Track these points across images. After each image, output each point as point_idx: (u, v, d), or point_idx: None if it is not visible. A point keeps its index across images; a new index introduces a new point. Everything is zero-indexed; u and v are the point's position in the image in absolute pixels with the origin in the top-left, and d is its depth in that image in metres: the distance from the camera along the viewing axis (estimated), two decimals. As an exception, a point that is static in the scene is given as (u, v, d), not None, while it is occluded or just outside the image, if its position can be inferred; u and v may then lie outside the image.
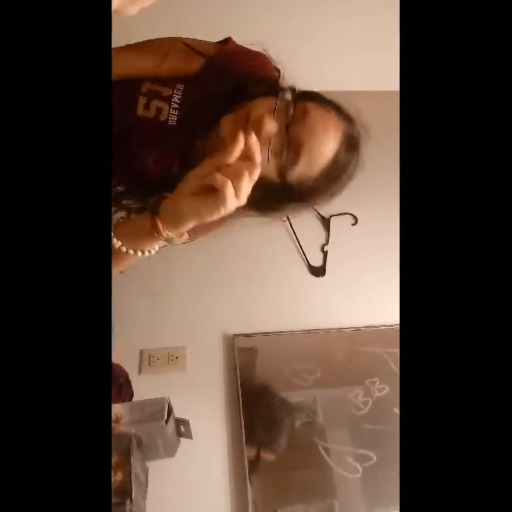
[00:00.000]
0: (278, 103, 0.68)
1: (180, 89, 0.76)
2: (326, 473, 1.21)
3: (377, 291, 1.51)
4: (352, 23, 1.65)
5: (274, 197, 0.73)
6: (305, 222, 1.68)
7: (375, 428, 1.26)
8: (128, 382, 1.21)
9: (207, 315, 1.44)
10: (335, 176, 0.72)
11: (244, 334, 1.40)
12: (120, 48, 0.81)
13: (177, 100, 0.75)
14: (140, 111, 0.76)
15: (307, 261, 1.61)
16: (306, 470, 1.23)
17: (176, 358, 1.34)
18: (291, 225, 1.65)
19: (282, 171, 0.70)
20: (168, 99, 0.75)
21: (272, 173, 0.70)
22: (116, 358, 1.26)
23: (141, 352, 1.35)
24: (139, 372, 1.31)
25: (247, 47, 0.81)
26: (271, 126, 0.68)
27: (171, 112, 0.75)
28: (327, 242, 1.66)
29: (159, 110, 0.76)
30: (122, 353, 1.29)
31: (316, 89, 0.75)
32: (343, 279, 1.57)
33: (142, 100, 0.76)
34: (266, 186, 0.69)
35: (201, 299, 1.48)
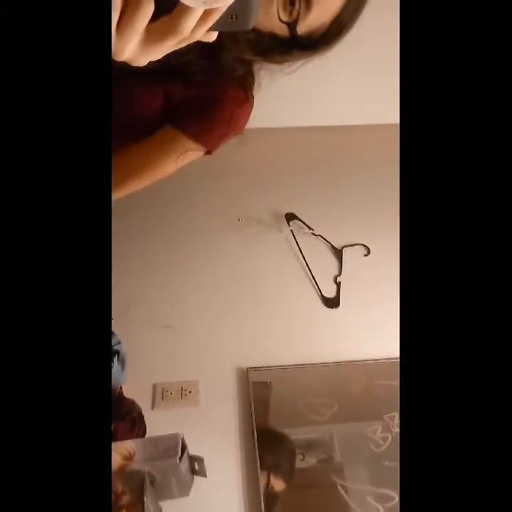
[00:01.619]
0: None
1: None
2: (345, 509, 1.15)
3: (392, 322, 1.49)
4: None
5: (282, 46, 0.68)
6: (317, 253, 1.68)
7: (396, 465, 1.21)
8: (141, 418, 1.19)
9: (220, 348, 1.43)
10: (346, 21, 0.69)
11: (258, 367, 1.38)
12: None
13: None
14: None
15: (320, 292, 1.60)
16: (324, 511, 1.18)
17: (190, 392, 1.32)
18: (303, 257, 1.65)
19: (292, 25, 0.65)
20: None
21: (281, 28, 0.66)
22: (129, 393, 1.25)
23: (154, 386, 1.33)
24: (152, 407, 1.29)
25: None
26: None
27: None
28: (340, 273, 1.65)
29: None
30: (135, 388, 1.28)
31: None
32: (358, 310, 1.55)
33: None
34: (273, 38, 0.66)
35: (214, 331, 1.47)
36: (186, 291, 1.54)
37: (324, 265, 1.66)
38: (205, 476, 1.11)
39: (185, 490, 1.09)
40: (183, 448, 1.06)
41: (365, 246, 1.70)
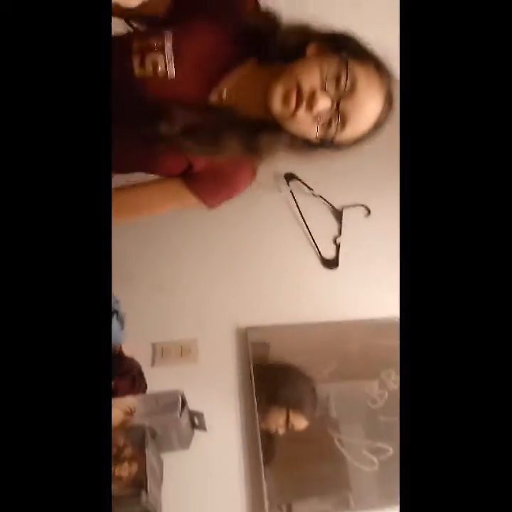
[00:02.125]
0: (329, 75, 0.68)
1: (169, 38, 0.72)
2: (341, 466, 1.19)
3: (391, 283, 1.49)
4: None
5: (312, 146, 0.77)
6: (317, 214, 1.66)
7: (391, 420, 1.24)
8: (141, 375, 1.21)
9: (218, 308, 1.43)
10: (373, 132, 0.76)
11: (256, 327, 1.39)
12: None
13: (170, 48, 0.72)
14: (137, 71, 0.73)
15: (319, 253, 1.59)
16: (321, 463, 1.22)
17: (189, 350, 1.34)
18: (303, 218, 1.63)
19: (326, 138, 0.73)
20: (161, 50, 0.72)
21: (315, 138, 0.73)
22: (129, 352, 1.26)
23: (154, 345, 1.35)
24: (152, 365, 1.31)
25: None
26: (325, 104, 0.69)
27: (167, 63, 0.72)
28: (340, 234, 1.64)
29: (155, 65, 0.73)
30: (135, 347, 1.29)
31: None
32: (357, 271, 1.55)
33: (136, 58, 0.73)
34: (307, 142, 0.75)
35: (212, 291, 1.47)
36: (184, 252, 1.53)
37: (324, 226, 1.64)
38: (205, 430, 1.14)
39: (185, 443, 1.13)
40: (183, 403, 1.08)
41: (365, 207, 1.68)
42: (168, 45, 0.72)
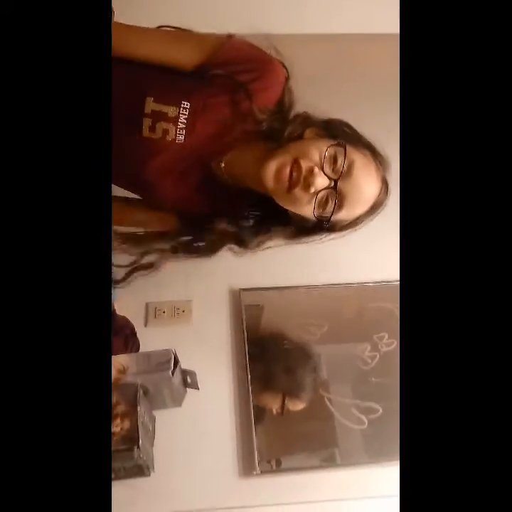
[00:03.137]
0: (326, 155, 0.70)
1: (186, 108, 0.73)
2: (330, 424, 1.21)
3: (386, 245, 1.47)
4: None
5: (307, 230, 0.79)
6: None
7: (382, 381, 1.25)
8: (134, 334, 1.21)
9: (212, 269, 1.42)
10: (370, 213, 0.78)
11: (250, 288, 1.38)
12: (149, 29, 0.76)
13: (183, 121, 0.73)
14: (146, 133, 0.74)
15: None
16: (310, 420, 1.24)
17: (183, 311, 1.33)
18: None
19: (322, 217, 0.74)
20: (174, 121, 0.73)
21: (311, 217, 0.74)
22: (121, 311, 1.26)
23: (147, 305, 1.34)
24: (146, 325, 1.31)
25: (250, 43, 0.76)
26: (322, 183, 0.70)
27: (178, 133, 0.74)
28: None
29: (165, 132, 0.74)
30: (128, 306, 1.28)
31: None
32: (354, 233, 1.52)
33: (147, 122, 0.73)
34: (301, 222, 0.76)
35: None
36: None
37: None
38: (197, 388, 1.15)
39: (177, 401, 1.14)
40: (176, 362, 1.08)
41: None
42: (183, 117, 0.73)
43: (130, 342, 1.19)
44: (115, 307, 1.25)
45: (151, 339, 1.22)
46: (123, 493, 0.94)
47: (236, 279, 1.40)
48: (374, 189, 0.75)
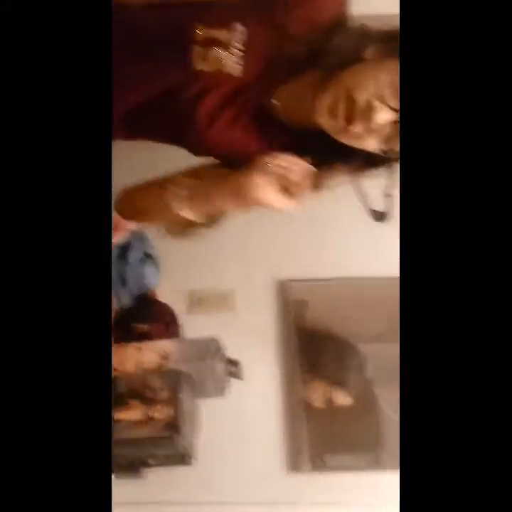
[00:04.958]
0: (388, 83, 0.58)
1: (240, 32, 0.64)
2: (380, 424, 1.15)
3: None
4: None
5: (374, 162, 0.70)
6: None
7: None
8: (174, 321, 1.19)
9: (258, 258, 1.38)
10: None
11: (297, 279, 1.33)
12: None
13: (238, 47, 0.65)
14: (197, 64, 0.65)
15: (369, 205, 1.49)
16: (359, 419, 1.18)
17: (226, 299, 1.30)
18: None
19: (390, 151, 0.63)
20: (227, 45, 0.64)
21: (377, 151, 0.64)
22: (162, 297, 1.24)
23: (191, 292, 1.32)
24: (188, 313, 1.28)
25: None
26: (385, 117, 0.60)
27: (232, 62, 0.65)
28: (391, 186, 1.52)
29: (219, 62, 0.65)
30: (172, 294, 1.27)
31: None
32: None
33: (197, 50, 0.65)
34: (366, 155, 0.67)
35: (252, 241, 1.41)
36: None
37: (374, 176, 1.53)
38: (241, 378, 1.11)
39: (220, 390, 1.11)
40: (219, 350, 1.05)
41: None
42: (236, 42, 0.64)
43: (171, 328, 1.17)
44: (156, 293, 1.24)
45: (194, 326, 1.20)
46: (163, 480, 0.93)
47: (282, 268, 1.35)
48: None
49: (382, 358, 1.23)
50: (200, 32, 0.64)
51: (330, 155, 0.69)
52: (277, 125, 0.69)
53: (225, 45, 0.64)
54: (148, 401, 0.97)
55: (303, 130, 0.69)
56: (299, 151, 0.69)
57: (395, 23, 0.61)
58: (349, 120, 0.60)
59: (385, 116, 0.60)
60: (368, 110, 0.59)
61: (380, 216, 1.62)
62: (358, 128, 0.61)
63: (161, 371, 1.03)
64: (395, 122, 0.61)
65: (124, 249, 1.15)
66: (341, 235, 1.43)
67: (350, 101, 0.59)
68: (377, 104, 0.59)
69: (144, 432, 0.96)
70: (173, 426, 0.96)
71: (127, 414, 0.97)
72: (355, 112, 0.60)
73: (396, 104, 0.60)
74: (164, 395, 1.00)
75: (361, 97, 0.59)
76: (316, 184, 0.69)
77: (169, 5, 0.67)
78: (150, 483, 1.00)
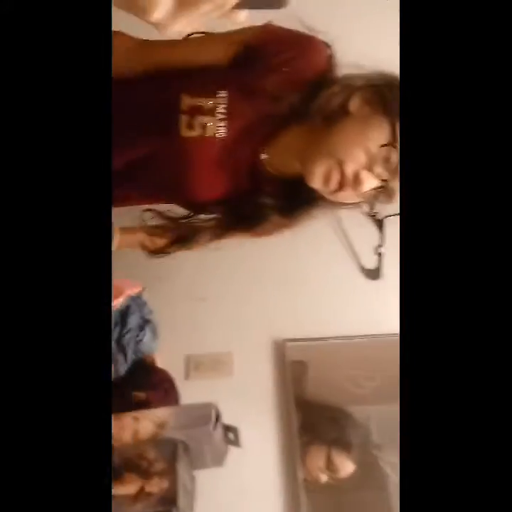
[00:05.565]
0: (376, 155, 0.65)
1: (224, 97, 0.68)
2: (385, 492, 1.09)
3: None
4: None
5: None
6: (356, 223, 1.59)
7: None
8: (173, 387, 1.17)
9: (254, 320, 1.38)
10: None
11: (294, 339, 1.32)
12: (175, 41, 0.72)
13: (221, 111, 0.68)
14: (184, 132, 0.69)
15: (360, 263, 1.52)
16: (364, 488, 1.12)
17: (224, 363, 1.29)
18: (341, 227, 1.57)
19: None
20: (211, 112, 0.68)
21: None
22: (161, 363, 1.23)
23: (188, 357, 1.31)
24: (186, 378, 1.27)
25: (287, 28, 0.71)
26: (371, 184, 0.66)
27: (217, 126, 0.68)
28: (381, 244, 1.56)
29: (204, 127, 0.69)
30: (169, 359, 1.26)
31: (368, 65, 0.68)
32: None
33: (185, 119, 0.68)
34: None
35: (249, 303, 1.42)
36: (220, 262, 1.51)
37: (364, 235, 1.57)
38: (239, 446, 1.07)
39: (219, 459, 1.07)
40: (217, 417, 1.03)
41: (408, 214, 1.60)
42: (220, 107, 0.68)
43: (170, 395, 1.15)
44: (156, 359, 1.23)
45: (191, 392, 1.18)
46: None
47: (278, 330, 1.35)
48: None
49: (385, 419, 1.20)
50: (185, 103, 0.68)
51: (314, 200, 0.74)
52: (267, 181, 0.73)
53: (209, 112, 0.68)
54: (143, 474, 0.94)
55: (290, 180, 0.73)
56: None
57: (376, 67, 0.66)
58: (341, 187, 0.66)
59: (372, 183, 0.66)
60: (357, 182, 0.65)
61: (372, 274, 1.66)
62: (348, 192, 0.67)
63: (156, 441, 1.00)
64: (380, 187, 0.66)
65: (123, 314, 1.16)
66: (336, 293, 1.45)
67: (341, 171, 0.65)
68: (364, 174, 0.65)
69: (140, 508, 0.92)
70: (169, 500, 0.91)
71: (123, 489, 0.93)
72: (346, 182, 0.66)
73: (382, 173, 0.65)
74: (160, 466, 0.96)
75: (350, 170, 0.65)
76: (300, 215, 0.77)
77: (155, 76, 0.71)
78: None
